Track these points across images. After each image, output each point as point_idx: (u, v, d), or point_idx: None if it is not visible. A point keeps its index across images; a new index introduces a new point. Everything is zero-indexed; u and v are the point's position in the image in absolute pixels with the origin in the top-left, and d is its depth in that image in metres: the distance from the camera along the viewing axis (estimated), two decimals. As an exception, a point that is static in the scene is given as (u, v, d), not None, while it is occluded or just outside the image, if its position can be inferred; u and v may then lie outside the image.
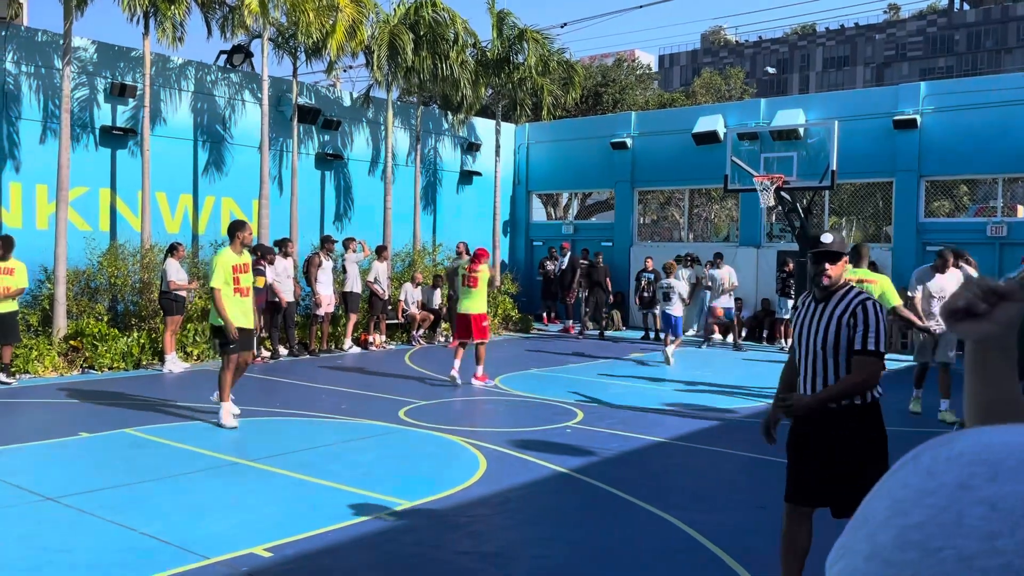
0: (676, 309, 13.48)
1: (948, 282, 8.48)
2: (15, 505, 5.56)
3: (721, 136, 17.86)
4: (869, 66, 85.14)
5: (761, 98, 19.82)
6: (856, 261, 7.60)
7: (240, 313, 8.11)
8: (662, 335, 14.36)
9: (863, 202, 20.77)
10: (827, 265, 3.86)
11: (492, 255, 19.43)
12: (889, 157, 16.48)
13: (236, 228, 8.25)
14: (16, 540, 4.92)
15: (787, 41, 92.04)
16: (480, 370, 10.71)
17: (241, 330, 8.09)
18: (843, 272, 3.91)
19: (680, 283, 13.84)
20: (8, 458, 6.81)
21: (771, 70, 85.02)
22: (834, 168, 15.50)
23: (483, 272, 10.64)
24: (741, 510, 5.82)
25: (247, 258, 8.36)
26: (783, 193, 15.68)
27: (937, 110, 16.16)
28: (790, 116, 17.49)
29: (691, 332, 18.50)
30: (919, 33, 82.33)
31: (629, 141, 19.82)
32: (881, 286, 7.44)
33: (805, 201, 16.22)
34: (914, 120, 16.08)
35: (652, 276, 17.31)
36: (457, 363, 10.66)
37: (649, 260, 17.62)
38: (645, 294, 17.31)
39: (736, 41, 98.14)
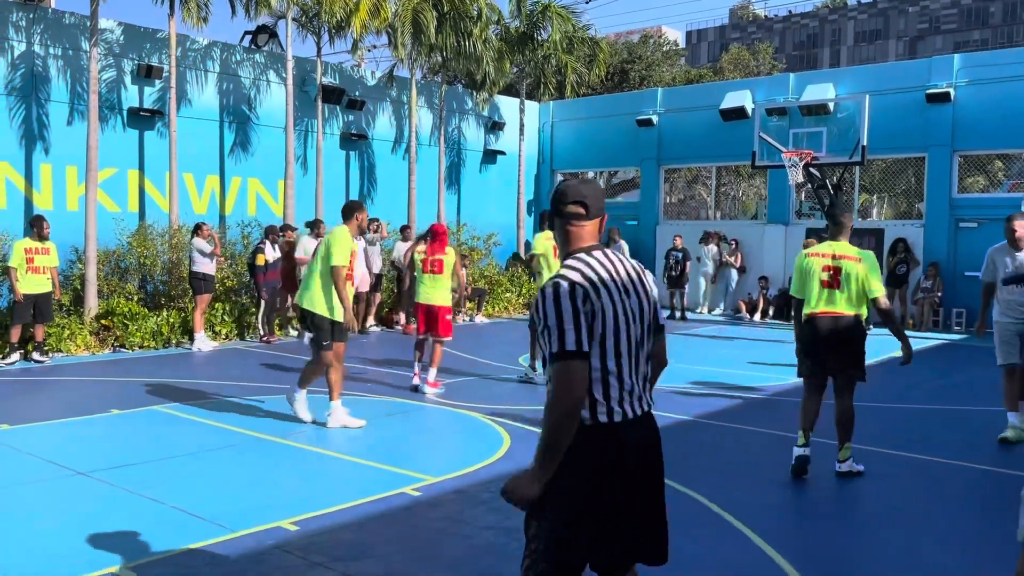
0: None
1: None
2: (49, 479, 5.67)
3: (749, 112, 17.62)
4: (902, 40, 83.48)
5: (790, 73, 19.51)
6: (834, 233, 6.07)
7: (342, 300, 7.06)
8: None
9: (895, 178, 20.42)
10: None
11: (516, 234, 19.47)
12: (922, 132, 16.16)
13: (355, 208, 7.11)
14: (48, 513, 5.02)
15: (817, 15, 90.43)
16: (433, 373, 8.98)
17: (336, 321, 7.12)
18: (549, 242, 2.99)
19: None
20: (42, 434, 6.95)
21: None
22: (865, 143, 15.24)
23: (449, 255, 8.98)
24: (765, 487, 5.78)
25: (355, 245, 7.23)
26: (812, 169, 15.46)
27: (971, 83, 15.79)
28: (820, 91, 17.20)
29: (718, 311, 18.39)
30: (953, 5, 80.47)
31: (655, 118, 19.62)
32: (864, 267, 5.85)
33: (835, 178, 15.98)
34: (947, 94, 15.74)
35: (680, 255, 17.21)
36: (417, 367, 9.15)
37: (678, 238, 17.51)
38: (673, 273, 17.23)
39: (765, 16, 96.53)
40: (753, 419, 7.88)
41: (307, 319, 7.17)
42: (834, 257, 5.93)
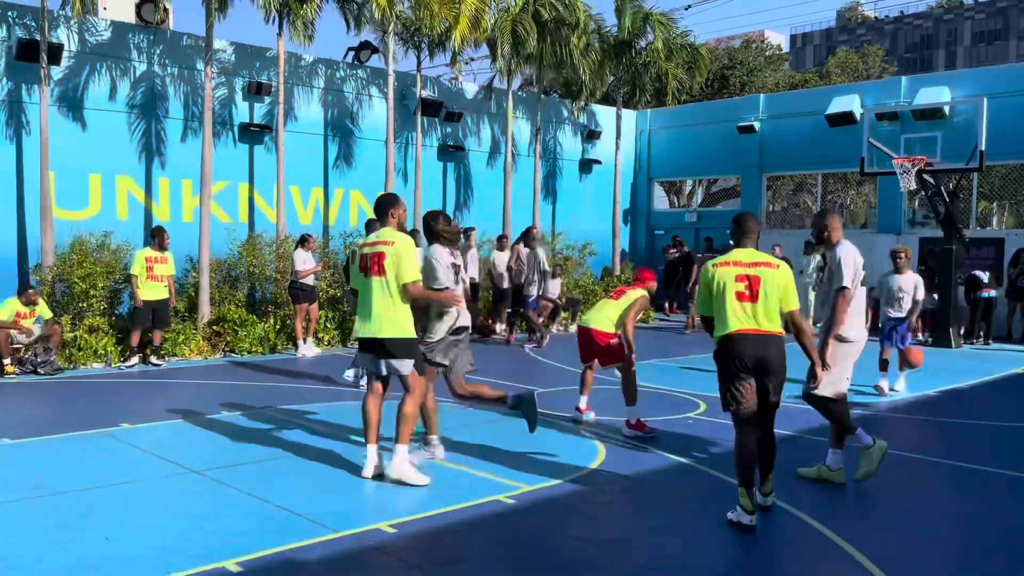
0: None
1: None
2: (164, 476, 5.96)
3: (857, 117, 17.01)
4: (1023, 40, 78.95)
5: (902, 76, 18.72)
6: (739, 238, 5.32)
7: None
8: None
9: (1016, 185, 19.29)
10: None
11: (611, 243, 19.33)
12: (1046, 135, 15.22)
13: (390, 203, 6.03)
14: (164, 508, 5.28)
15: (931, 15, 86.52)
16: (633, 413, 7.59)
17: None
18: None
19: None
20: (158, 433, 7.32)
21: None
22: (982, 148, 14.46)
23: (636, 293, 7.67)
24: (874, 507, 5.53)
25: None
26: (925, 176, 14.77)
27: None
28: (934, 94, 16.44)
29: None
30: (1082, 1, 75.69)
31: (757, 124, 19.18)
32: (785, 276, 5.16)
33: (951, 184, 15.22)
34: (1075, 94, 14.78)
35: (780, 265, 16.71)
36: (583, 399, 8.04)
37: (777, 247, 17.02)
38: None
39: (875, 17, 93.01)
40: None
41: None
42: (750, 265, 5.10)
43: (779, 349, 5.11)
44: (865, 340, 6.11)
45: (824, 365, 5.55)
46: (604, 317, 7.54)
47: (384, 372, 5.85)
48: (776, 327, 5.10)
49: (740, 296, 5.05)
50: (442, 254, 6.18)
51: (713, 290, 5.16)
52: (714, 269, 5.20)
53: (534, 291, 13.85)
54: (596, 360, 7.68)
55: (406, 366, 5.78)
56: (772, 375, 5.09)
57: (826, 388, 5.74)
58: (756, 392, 5.09)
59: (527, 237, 14.22)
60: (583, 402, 7.93)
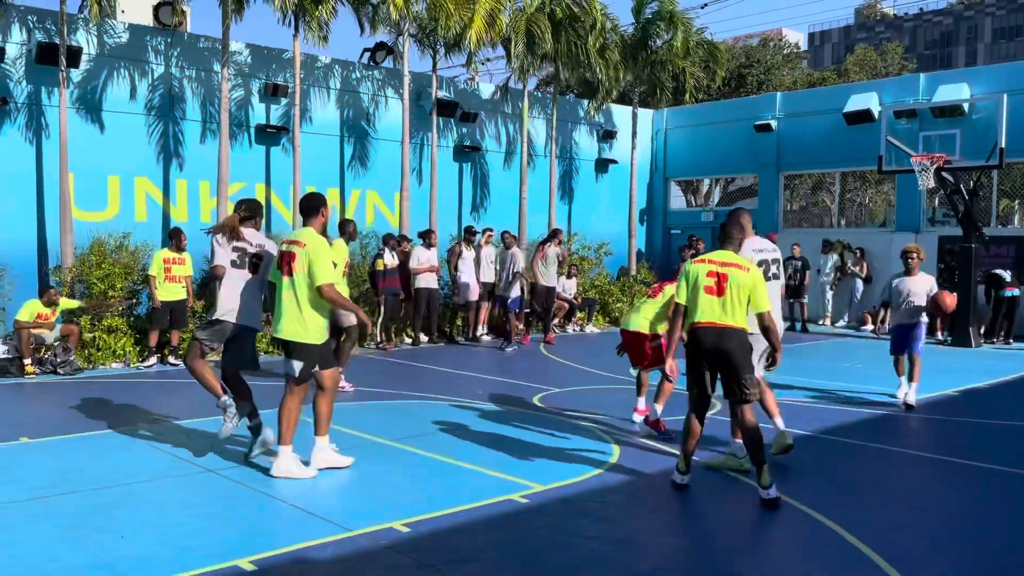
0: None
1: None
2: (179, 475, 6.01)
3: (875, 115, 16.86)
4: (1047, 35, 78.12)
5: (920, 73, 18.54)
6: (721, 241, 5.78)
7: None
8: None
9: (1038, 182, 19.06)
10: None
11: (628, 243, 19.27)
12: (1068, 132, 15.02)
13: (315, 203, 6.13)
14: (179, 507, 5.32)
15: (951, 12, 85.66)
16: (655, 408, 7.37)
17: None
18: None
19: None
20: (175, 433, 7.37)
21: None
22: (1003, 146, 14.29)
23: (671, 290, 7.14)
24: (891, 508, 5.47)
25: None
26: (945, 174, 14.62)
27: None
28: (953, 91, 16.27)
29: (842, 322, 17.63)
30: (1106, -4, 74.70)
31: (774, 123, 19.05)
32: (752, 279, 5.50)
33: (971, 182, 15.05)
34: (1098, 90, 14.56)
35: (800, 263, 16.62)
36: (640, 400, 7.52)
37: (796, 247, 16.92)
38: (792, 282, 16.65)
39: (894, 14, 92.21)
40: (876, 435, 7.50)
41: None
42: (721, 264, 5.57)
43: (738, 342, 5.51)
44: (782, 328, 6.55)
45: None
46: (642, 317, 7.39)
47: (294, 372, 5.88)
48: (738, 322, 5.53)
49: (708, 290, 5.57)
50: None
51: (689, 283, 5.68)
52: (691, 265, 5.74)
53: (512, 293, 13.44)
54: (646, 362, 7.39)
55: (295, 367, 5.82)
56: (730, 365, 5.50)
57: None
58: (722, 382, 5.60)
59: (503, 237, 13.97)
60: (641, 404, 7.33)
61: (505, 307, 13.68)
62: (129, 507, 5.25)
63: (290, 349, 5.87)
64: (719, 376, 5.61)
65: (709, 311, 5.53)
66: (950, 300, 8.75)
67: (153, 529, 4.85)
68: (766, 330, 5.60)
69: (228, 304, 6.25)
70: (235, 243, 6.22)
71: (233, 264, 6.25)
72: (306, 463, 5.99)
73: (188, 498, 5.50)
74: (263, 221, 6.94)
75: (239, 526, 4.94)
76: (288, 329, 5.84)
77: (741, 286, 5.50)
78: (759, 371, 6.29)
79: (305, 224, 6.04)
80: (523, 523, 5.05)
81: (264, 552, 4.47)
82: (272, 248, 6.35)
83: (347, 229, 10.38)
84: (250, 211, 6.42)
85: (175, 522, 5.00)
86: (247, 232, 6.29)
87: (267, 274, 6.27)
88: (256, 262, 6.30)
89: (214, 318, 6.31)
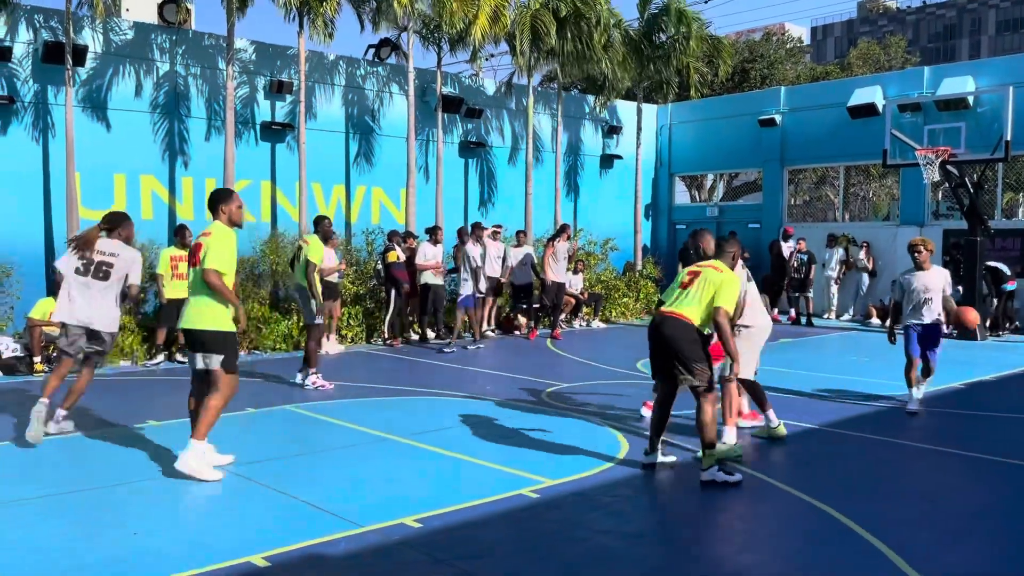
0: None
1: None
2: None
3: (879, 108, 16.84)
4: (1051, 27, 77.80)
5: (924, 66, 18.50)
6: (717, 255, 6.23)
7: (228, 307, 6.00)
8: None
9: (1043, 175, 19.02)
10: None
11: (633, 239, 19.26)
12: (1074, 124, 14.98)
13: (220, 199, 6.01)
14: (191, 504, 5.35)
15: (955, 4, 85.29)
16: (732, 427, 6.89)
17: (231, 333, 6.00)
18: None
19: None
20: (184, 430, 7.38)
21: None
22: (1008, 139, 14.28)
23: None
24: (900, 501, 5.49)
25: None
26: (949, 167, 14.60)
27: None
28: (957, 84, 16.22)
29: (847, 316, 17.63)
30: (1111, -13, 74.36)
31: (778, 118, 19.03)
32: (723, 278, 5.79)
33: (976, 176, 15.03)
34: (1104, 82, 14.52)
35: (805, 257, 16.62)
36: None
37: (802, 241, 16.92)
38: (796, 276, 16.66)
39: (897, 8, 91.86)
40: (881, 429, 7.51)
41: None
42: (704, 266, 5.98)
43: (676, 328, 5.75)
44: (768, 327, 7.06)
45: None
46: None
47: (200, 365, 5.88)
48: (686, 312, 5.77)
49: (682, 284, 5.94)
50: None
51: (675, 282, 6.11)
52: (684, 268, 6.21)
53: (465, 290, 12.87)
54: None
55: (214, 361, 5.83)
56: (667, 351, 5.81)
57: (746, 371, 6.76)
58: (662, 369, 5.93)
59: (461, 232, 13.69)
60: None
61: (457, 305, 13.08)
62: (141, 504, 5.28)
63: (203, 342, 5.82)
64: (663, 362, 5.90)
65: (669, 301, 5.92)
66: (973, 316, 8.98)
67: (166, 526, 4.88)
68: (716, 327, 5.74)
69: (70, 308, 6.88)
70: (85, 252, 6.79)
71: (77, 271, 6.85)
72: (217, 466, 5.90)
73: (199, 495, 5.53)
74: (134, 230, 7.50)
75: (251, 523, 4.96)
76: (194, 318, 5.85)
77: (710, 281, 5.78)
78: (748, 373, 6.77)
79: (215, 219, 6.02)
80: (534, 517, 5.07)
81: (276, 548, 4.50)
82: (132, 255, 7.01)
83: (321, 226, 10.40)
84: (110, 223, 7.03)
85: (187, 519, 5.04)
86: (102, 243, 6.90)
87: (136, 278, 7.01)
88: (107, 269, 6.87)
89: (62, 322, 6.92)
